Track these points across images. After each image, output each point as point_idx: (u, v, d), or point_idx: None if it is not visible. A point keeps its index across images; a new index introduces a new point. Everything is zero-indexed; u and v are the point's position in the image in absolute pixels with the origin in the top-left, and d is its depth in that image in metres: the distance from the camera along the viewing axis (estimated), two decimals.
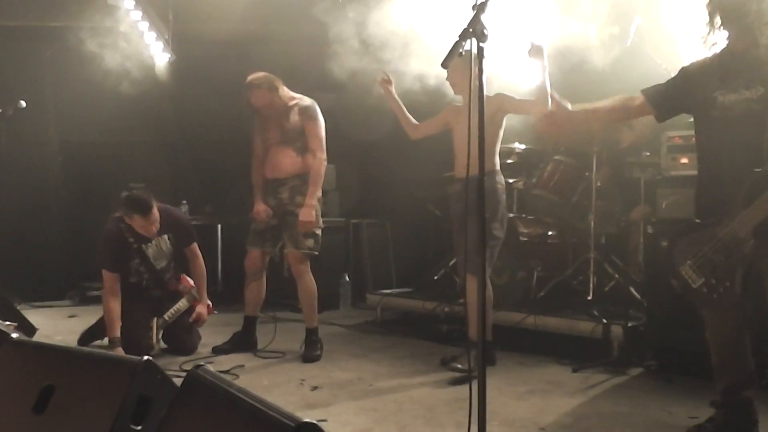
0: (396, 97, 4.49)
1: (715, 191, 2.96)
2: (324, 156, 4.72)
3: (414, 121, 4.55)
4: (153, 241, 4.68)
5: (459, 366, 4.17)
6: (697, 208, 3.07)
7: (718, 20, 2.90)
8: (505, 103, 4.22)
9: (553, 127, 4.17)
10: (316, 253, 4.76)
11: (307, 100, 4.76)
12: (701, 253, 2.91)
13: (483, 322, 2.39)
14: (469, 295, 4.08)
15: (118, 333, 4.39)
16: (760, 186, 2.74)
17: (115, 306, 4.42)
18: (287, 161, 4.70)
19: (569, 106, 3.56)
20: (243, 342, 4.82)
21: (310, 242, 4.68)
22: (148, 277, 4.73)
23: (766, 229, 2.74)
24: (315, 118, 4.71)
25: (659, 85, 3.16)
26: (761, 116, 2.80)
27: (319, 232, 4.73)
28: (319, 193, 4.75)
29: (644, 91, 3.17)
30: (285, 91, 4.73)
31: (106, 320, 4.49)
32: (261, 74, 4.69)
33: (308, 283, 4.76)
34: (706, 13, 2.92)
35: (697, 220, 3.01)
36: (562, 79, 4.92)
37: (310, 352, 4.65)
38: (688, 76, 3.06)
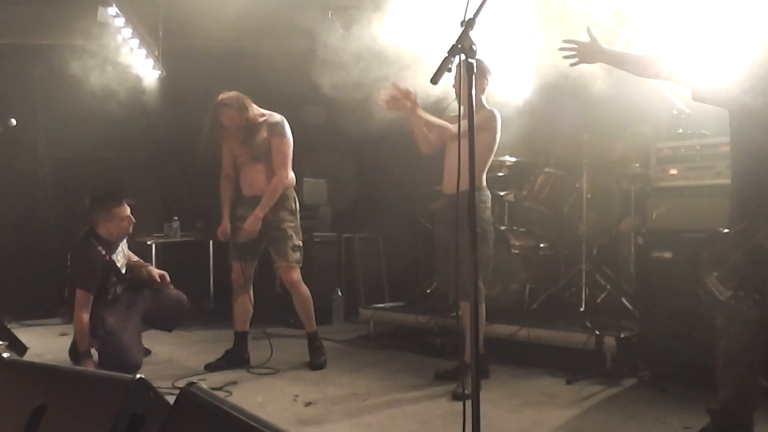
0: (422, 113, 4.20)
1: (738, 198, 2.91)
2: (285, 173, 4.73)
3: (432, 137, 4.39)
4: (120, 247, 4.72)
5: (461, 391, 3.96)
6: (729, 217, 2.97)
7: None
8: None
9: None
10: (301, 264, 4.85)
11: (276, 116, 4.78)
12: (728, 264, 2.83)
13: (476, 335, 2.39)
14: (464, 320, 4.09)
15: (88, 347, 4.45)
16: None
17: (87, 320, 4.45)
18: (262, 177, 4.74)
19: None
20: (235, 358, 4.80)
21: (297, 255, 4.78)
22: (119, 288, 4.75)
23: None
24: (282, 135, 4.73)
25: (709, 68, 2.98)
26: None
27: (301, 244, 4.83)
28: (298, 206, 4.85)
29: (688, 65, 3.01)
30: (254, 109, 4.75)
31: (78, 334, 4.47)
32: (232, 94, 4.72)
33: (303, 292, 4.86)
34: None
35: (725, 230, 2.93)
36: (551, 91, 4.98)
37: (316, 359, 4.80)
38: (737, 74, 2.90)
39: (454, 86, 4.18)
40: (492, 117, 4.26)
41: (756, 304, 2.77)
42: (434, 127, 4.26)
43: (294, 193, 4.89)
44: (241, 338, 4.89)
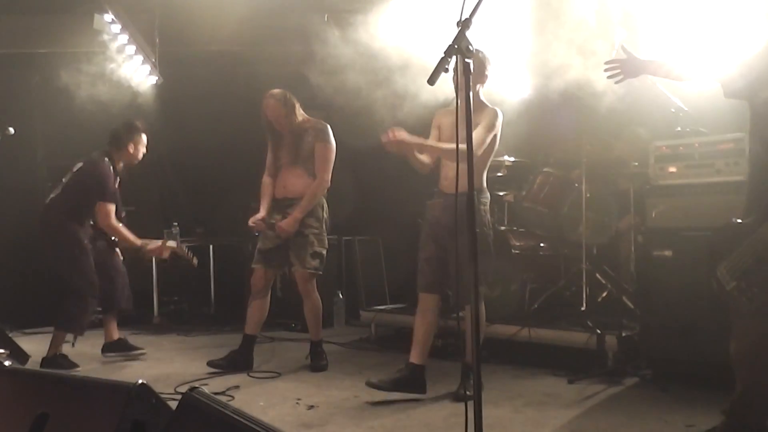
0: (414, 141, 3.97)
1: (754, 191, 2.91)
2: (327, 178, 4.83)
3: (424, 158, 4.19)
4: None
5: (463, 392, 3.87)
6: (744, 208, 2.98)
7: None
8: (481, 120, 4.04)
9: None
10: (321, 272, 4.90)
11: (322, 123, 4.90)
12: (734, 255, 2.84)
13: (477, 340, 2.39)
14: (465, 323, 3.97)
15: (139, 242, 5.14)
16: None
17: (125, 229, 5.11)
18: (298, 182, 4.81)
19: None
20: (239, 361, 4.79)
21: (316, 262, 4.81)
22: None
23: None
24: (327, 141, 4.83)
25: (736, 60, 2.99)
26: None
27: (324, 252, 4.87)
28: (326, 215, 4.91)
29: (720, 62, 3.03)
30: (300, 112, 4.88)
31: (127, 241, 5.12)
32: (280, 90, 4.87)
33: (315, 300, 4.91)
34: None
35: (738, 220, 2.93)
36: (549, 90, 4.97)
37: (317, 362, 4.86)
38: (757, 66, 2.90)
39: (453, 80, 4.07)
40: (494, 115, 4.14)
41: (754, 297, 2.77)
42: (427, 149, 4.10)
43: (324, 201, 4.94)
44: (249, 341, 4.90)
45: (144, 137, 5.27)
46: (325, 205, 4.94)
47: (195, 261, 5.55)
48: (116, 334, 5.37)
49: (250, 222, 4.85)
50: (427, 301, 4.17)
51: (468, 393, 3.61)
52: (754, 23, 3.11)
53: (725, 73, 2.99)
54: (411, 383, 3.99)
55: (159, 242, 5.25)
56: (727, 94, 3.04)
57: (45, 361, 4.87)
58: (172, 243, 5.32)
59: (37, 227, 5.17)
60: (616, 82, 3.39)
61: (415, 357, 4.06)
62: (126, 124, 5.25)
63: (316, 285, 4.91)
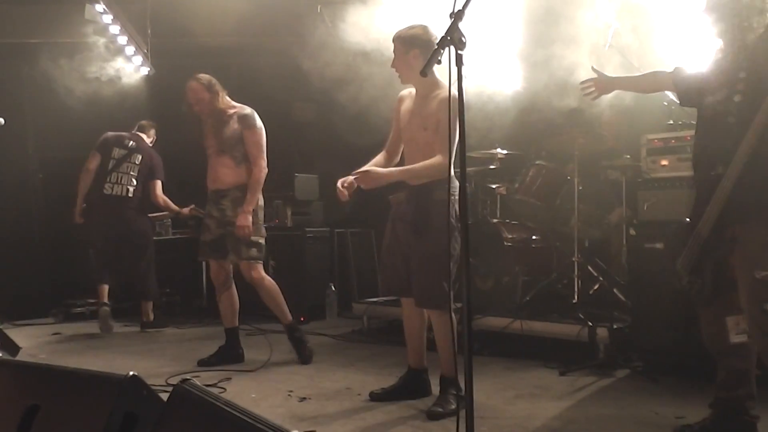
0: (385, 175, 3.72)
1: (696, 190, 3.09)
2: (264, 164, 4.68)
3: (389, 169, 3.82)
4: None
5: (439, 410, 3.50)
6: (692, 207, 3.14)
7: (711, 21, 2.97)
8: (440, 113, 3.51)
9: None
10: (261, 260, 4.73)
11: (246, 109, 4.73)
12: (685, 252, 3.01)
13: (469, 333, 2.38)
14: (436, 332, 3.69)
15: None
16: (714, 186, 2.86)
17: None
18: (226, 172, 4.70)
19: (607, 74, 3.67)
20: (229, 355, 4.79)
21: (253, 251, 4.67)
22: None
23: (721, 228, 2.86)
24: (254, 126, 4.69)
25: (689, 71, 3.21)
26: (725, 118, 2.88)
27: (261, 241, 4.72)
28: (261, 202, 4.75)
29: (675, 71, 3.24)
30: (225, 99, 4.74)
31: (172, 209, 6.54)
32: (207, 75, 4.76)
33: (267, 285, 4.75)
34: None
35: (687, 219, 3.09)
36: (541, 83, 4.98)
37: (302, 351, 4.78)
38: (705, 75, 3.09)
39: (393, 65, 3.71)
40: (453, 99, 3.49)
41: (702, 289, 2.96)
42: (405, 176, 3.74)
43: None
44: (231, 334, 4.87)
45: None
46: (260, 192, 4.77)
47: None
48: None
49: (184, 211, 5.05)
50: (408, 306, 3.85)
51: (441, 411, 3.45)
52: (704, 39, 3.24)
53: (679, 85, 3.21)
54: (414, 389, 3.86)
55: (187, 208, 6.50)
56: (681, 102, 3.31)
57: (144, 325, 6.28)
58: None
59: (103, 216, 6.17)
60: (592, 99, 3.71)
61: (413, 362, 3.90)
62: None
63: (262, 270, 4.75)
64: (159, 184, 6.41)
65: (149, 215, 6.56)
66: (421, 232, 3.61)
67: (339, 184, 3.67)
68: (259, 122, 4.72)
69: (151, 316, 6.35)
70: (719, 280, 2.91)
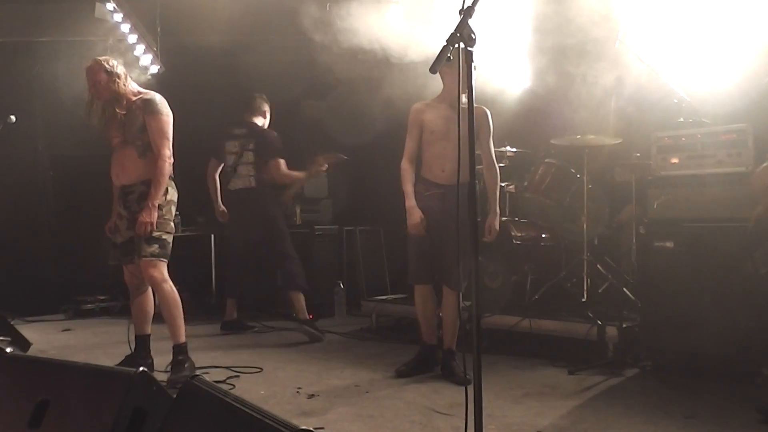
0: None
1: None
2: (169, 153, 4.22)
3: (494, 209, 4.37)
4: None
5: (462, 375, 3.82)
6: None
7: None
8: (481, 130, 4.26)
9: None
10: (165, 259, 4.23)
11: (151, 94, 4.30)
12: (765, 243, 3.01)
13: (478, 329, 2.38)
14: (445, 307, 4.34)
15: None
16: None
17: None
18: (131, 165, 4.23)
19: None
20: (133, 363, 4.13)
21: (154, 248, 4.15)
22: None
23: None
24: (158, 112, 4.20)
25: None
26: None
27: (165, 236, 4.21)
28: (173, 197, 4.31)
29: None
30: (127, 84, 4.26)
31: (294, 178, 5.92)
32: (111, 57, 4.30)
33: (166, 292, 4.21)
34: None
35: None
36: (551, 80, 4.96)
37: (176, 373, 4.15)
38: None
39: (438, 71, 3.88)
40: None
41: None
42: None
43: (171, 181, 4.32)
44: (141, 342, 4.41)
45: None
46: (172, 185, 4.31)
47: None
48: (235, 314, 5.98)
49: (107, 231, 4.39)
50: (423, 291, 4.42)
51: (463, 375, 3.68)
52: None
53: None
54: (426, 363, 4.38)
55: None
56: None
57: (293, 318, 5.67)
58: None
59: (235, 214, 5.94)
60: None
61: (429, 338, 4.43)
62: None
63: (166, 273, 4.23)
64: (280, 162, 5.72)
65: (280, 199, 6.23)
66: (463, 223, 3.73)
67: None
68: (165, 108, 4.25)
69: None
70: None
